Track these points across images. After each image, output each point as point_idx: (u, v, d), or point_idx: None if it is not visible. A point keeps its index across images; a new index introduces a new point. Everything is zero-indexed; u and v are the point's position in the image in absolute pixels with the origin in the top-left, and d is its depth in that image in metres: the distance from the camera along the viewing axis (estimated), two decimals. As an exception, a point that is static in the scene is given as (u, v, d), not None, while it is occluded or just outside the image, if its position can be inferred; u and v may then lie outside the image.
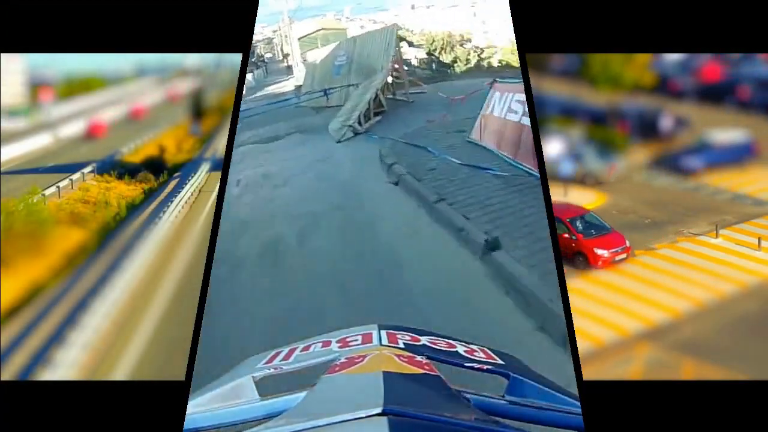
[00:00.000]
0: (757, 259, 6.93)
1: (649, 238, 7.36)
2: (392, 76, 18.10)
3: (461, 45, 22.37)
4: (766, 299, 6.46)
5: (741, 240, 7.22)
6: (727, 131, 7.85)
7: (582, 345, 5.64)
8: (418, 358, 1.75)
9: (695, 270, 6.89)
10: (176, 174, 8.28)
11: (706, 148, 7.96)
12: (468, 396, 1.61)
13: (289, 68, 25.19)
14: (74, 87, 8.43)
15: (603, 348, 6.07)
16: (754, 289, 6.58)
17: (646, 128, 7.91)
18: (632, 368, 5.92)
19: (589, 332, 6.09)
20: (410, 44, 22.98)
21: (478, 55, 21.91)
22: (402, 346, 1.88)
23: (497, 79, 13.04)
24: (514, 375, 1.82)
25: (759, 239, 7.07)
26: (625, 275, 6.95)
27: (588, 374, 5.25)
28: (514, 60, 17.48)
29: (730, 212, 7.59)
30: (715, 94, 8.07)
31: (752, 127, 7.83)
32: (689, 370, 5.74)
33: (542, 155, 6.28)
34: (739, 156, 7.84)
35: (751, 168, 7.85)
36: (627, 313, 6.42)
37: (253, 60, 22.22)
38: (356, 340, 1.96)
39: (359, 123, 15.70)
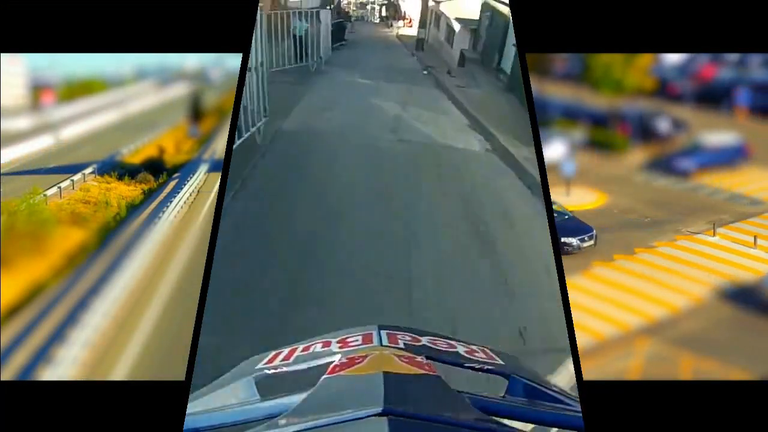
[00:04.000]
0: (753, 257, 7.04)
1: (649, 236, 7.44)
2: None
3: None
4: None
5: (738, 238, 7.32)
6: (720, 134, 7.94)
7: (583, 340, 5.69)
8: (418, 358, 1.76)
9: (694, 267, 6.99)
10: (175, 175, 8.30)
11: (699, 150, 8.03)
12: (468, 396, 1.62)
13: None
14: (75, 89, 8.46)
15: (604, 342, 6.14)
16: (750, 286, 6.69)
17: (646, 130, 7.97)
18: (632, 362, 5.98)
19: (590, 327, 6.16)
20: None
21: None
22: (402, 346, 1.89)
23: None
24: (514, 375, 1.83)
25: (755, 237, 7.20)
26: (626, 272, 7.04)
27: (589, 368, 5.29)
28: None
29: (727, 211, 7.69)
30: (713, 98, 8.14)
31: (748, 129, 7.90)
32: (687, 363, 5.80)
33: (542, 156, 6.30)
34: (731, 158, 7.94)
35: (746, 169, 7.95)
36: (627, 308, 6.50)
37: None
38: (356, 340, 1.97)
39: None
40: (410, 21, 24.30)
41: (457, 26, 18.87)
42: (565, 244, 7.47)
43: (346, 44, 20.97)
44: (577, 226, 7.73)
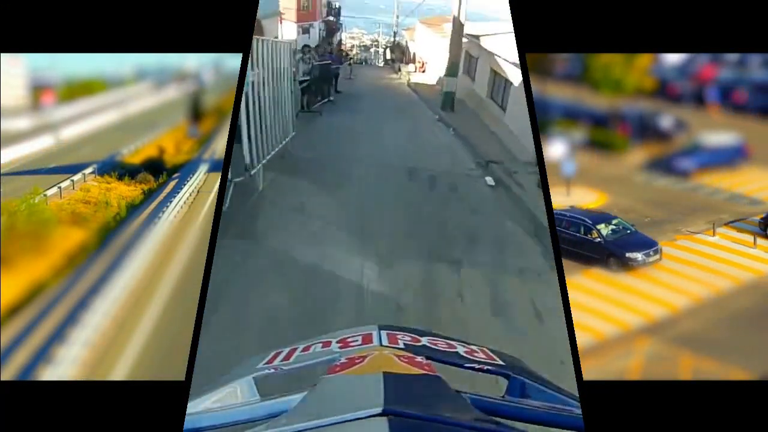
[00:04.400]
0: (752, 256, 7.08)
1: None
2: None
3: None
4: (761, 295, 6.58)
5: (737, 238, 7.34)
6: (720, 134, 7.95)
7: (583, 340, 5.70)
8: (418, 358, 1.76)
9: (693, 267, 7.01)
10: (175, 175, 8.30)
11: (699, 150, 8.05)
12: (468, 396, 1.62)
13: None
14: (75, 89, 8.46)
15: (604, 342, 6.17)
16: (749, 285, 6.73)
17: (646, 131, 7.99)
18: (632, 362, 6.00)
19: (590, 327, 6.19)
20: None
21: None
22: (402, 346, 1.89)
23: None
24: (514, 375, 1.83)
25: (754, 237, 7.22)
26: (626, 272, 7.07)
27: (589, 368, 5.30)
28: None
29: (726, 211, 7.71)
30: (712, 98, 8.16)
31: (748, 129, 7.91)
32: (687, 363, 5.82)
33: (542, 156, 6.31)
34: (731, 158, 7.95)
35: (745, 169, 7.97)
36: (627, 308, 6.52)
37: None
38: (356, 340, 1.97)
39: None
40: (423, 65, 19.22)
41: (517, 77, 10.91)
42: (629, 259, 7.20)
43: (336, 101, 13.89)
44: (641, 239, 7.44)
